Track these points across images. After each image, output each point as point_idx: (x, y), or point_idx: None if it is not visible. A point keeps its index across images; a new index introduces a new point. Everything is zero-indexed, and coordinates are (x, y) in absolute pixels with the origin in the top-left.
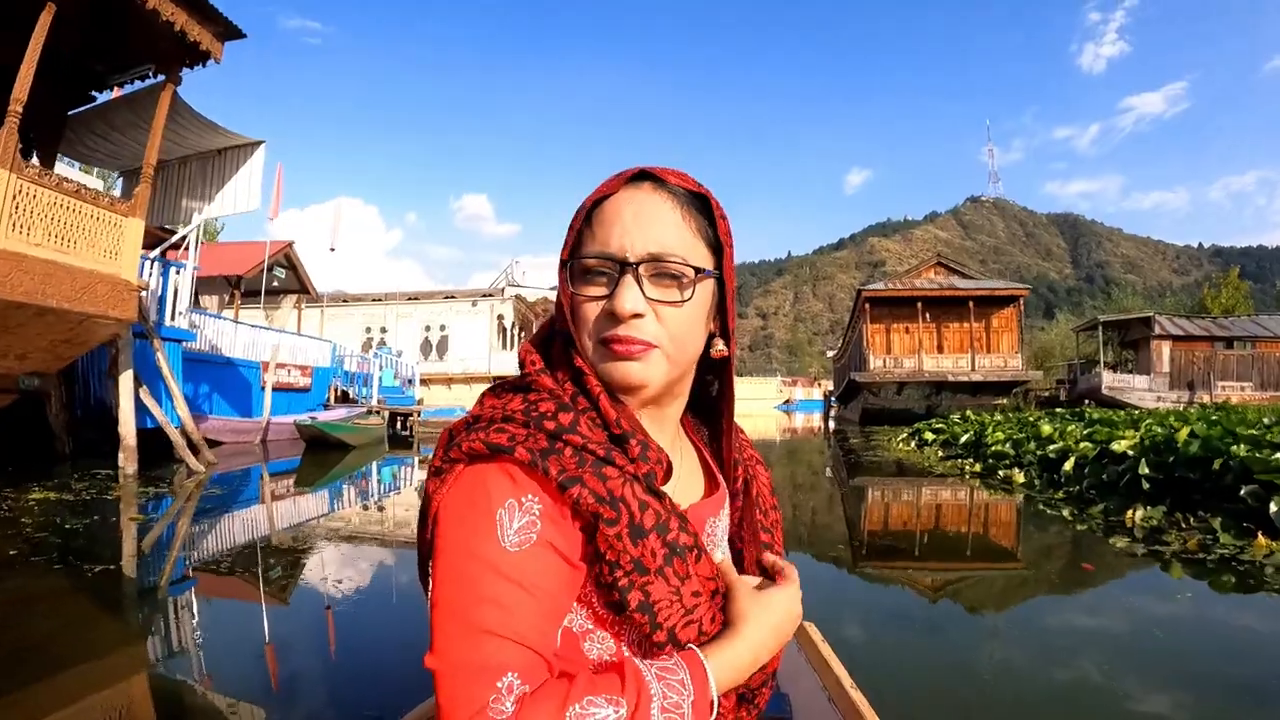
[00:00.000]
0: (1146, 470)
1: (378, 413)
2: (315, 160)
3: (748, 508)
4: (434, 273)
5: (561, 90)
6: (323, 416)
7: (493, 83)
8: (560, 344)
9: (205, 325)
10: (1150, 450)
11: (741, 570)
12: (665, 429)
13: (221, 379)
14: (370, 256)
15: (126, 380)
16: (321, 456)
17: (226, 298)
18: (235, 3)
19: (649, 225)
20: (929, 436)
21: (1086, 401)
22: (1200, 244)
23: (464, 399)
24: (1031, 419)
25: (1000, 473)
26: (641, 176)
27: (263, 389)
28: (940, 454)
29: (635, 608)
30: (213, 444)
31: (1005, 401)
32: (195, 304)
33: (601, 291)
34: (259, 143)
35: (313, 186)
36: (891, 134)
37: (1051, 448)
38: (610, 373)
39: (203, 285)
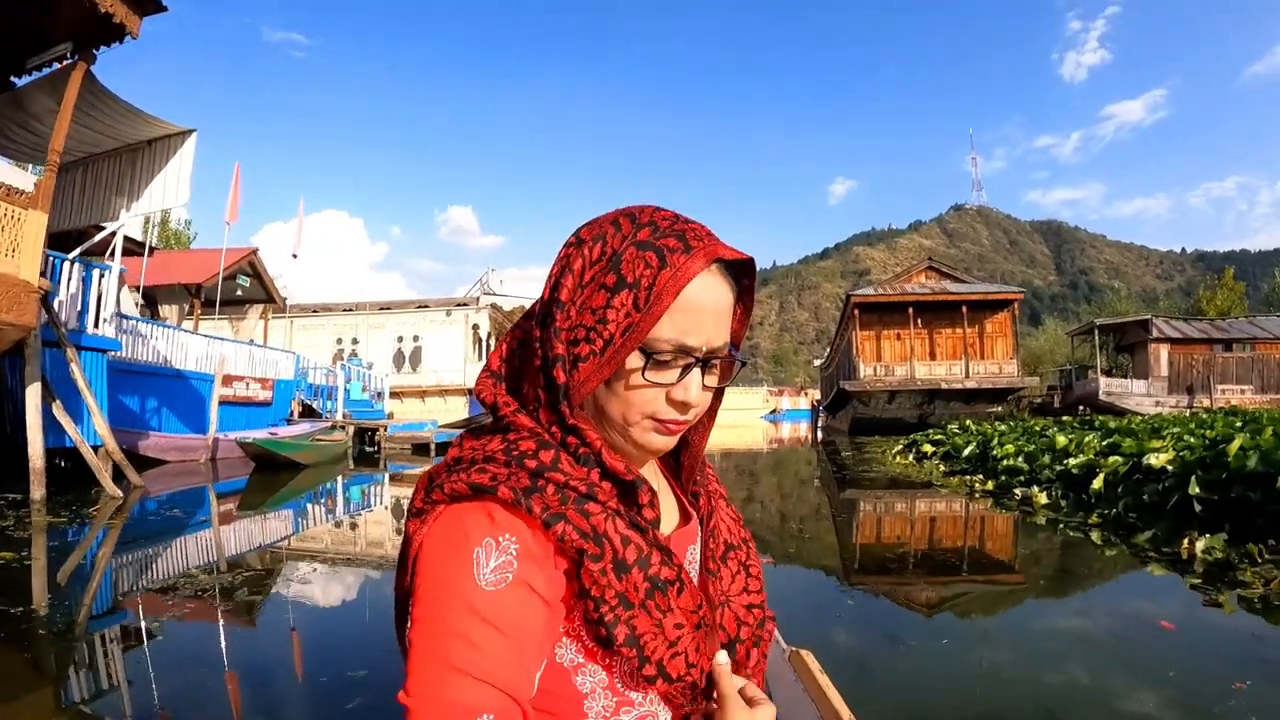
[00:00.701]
0: (1198, 490)
1: (342, 428)
2: (299, 173)
3: (709, 539)
4: (418, 285)
5: (546, 102)
6: (283, 432)
7: (478, 95)
8: (541, 391)
9: (155, 335)
10: (1197, 466)
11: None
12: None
13: (171, 392)
14: (355, 269)
15: (34, 394)
16: (270, 477)
17: (186, 307)
18: (219, 13)
19: (723, 320)
20: (928, 449)
21: (1081, 408)
22: (1183, 249)
23: (437, 412)
24: (1038, 428)
25: (1017, 491)
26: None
27: (218, 402)
28: (942, 468)
29: (623, 642)
30: (155, 463)
31: (1000, 409)
32: (153, 314)
33: (669, 378)
34: (189, 131)
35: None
36: (875, 144)
37: (1072, 462)
38: (648, 443)
39: (162, 295)
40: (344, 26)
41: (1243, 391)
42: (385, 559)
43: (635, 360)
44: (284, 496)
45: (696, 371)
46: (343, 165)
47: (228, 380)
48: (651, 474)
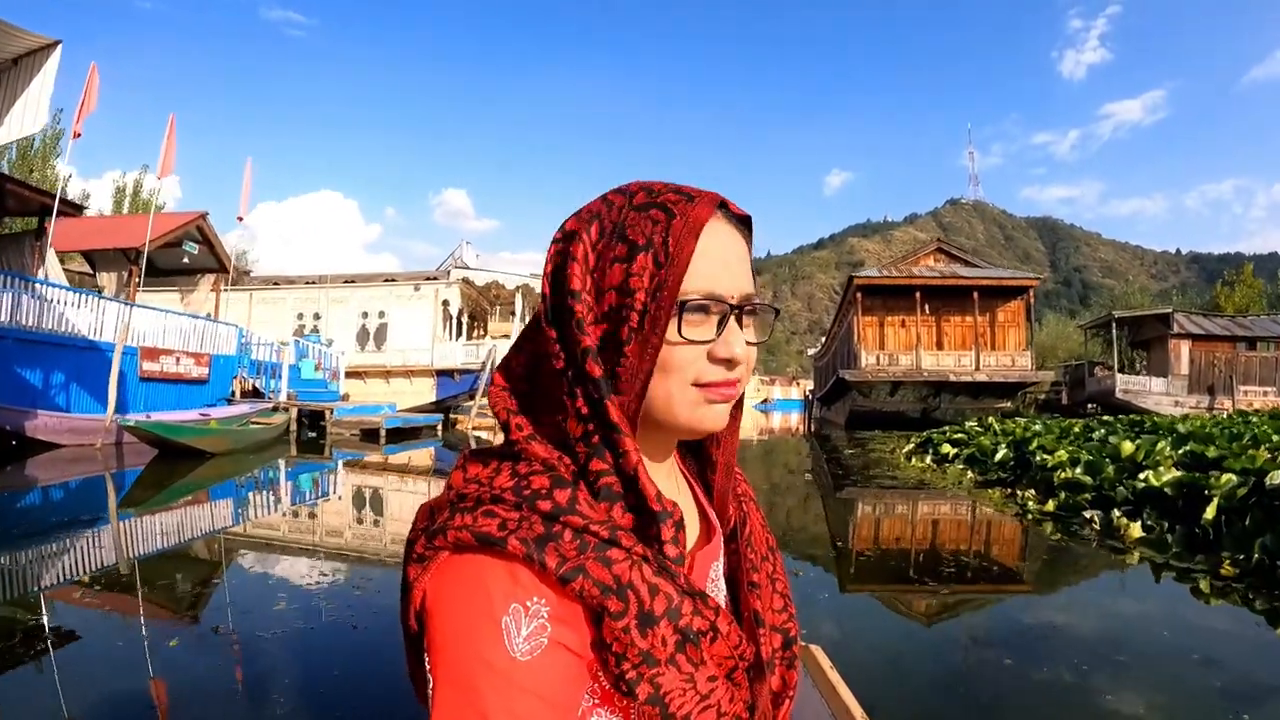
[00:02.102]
0: None
1: (285, 410)
2: (295, 153)
3: (739, 552)
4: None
5: (542, 87)
6: (217, 413)
7: (475, 78)
8: (578, 401)
9: (65, 302)
10: None
11: (737, 615)
12: (664, 462)
13: (81, 367)
14: (348, 251)
15: None
16: (168, 468)
17: (125, 275)
18: None
19: (747, 267)
20: (947, 450)
21: (1091, 406)
22: (1178, 250)
23: (402, 394)
24: (1078, 429)
25: (1089, 515)
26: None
27: (141, 379)
28: (971, 475)
29: (645, 700)
30: (46, 447)
31: (1009, 405)
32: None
33: (708, 333)
34: (54, 44)
35: (292, 180)
36: (872, 137)
37: (1157, 478)
38: (699, 421)
39: (101, 261)
40: (342, 4)
41: (1265, 393)
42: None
43: (670, 328)
44: (178, 492)
45: (734, 322)
46: (338, 146)
47: (152, 354)
48: (673, 482)
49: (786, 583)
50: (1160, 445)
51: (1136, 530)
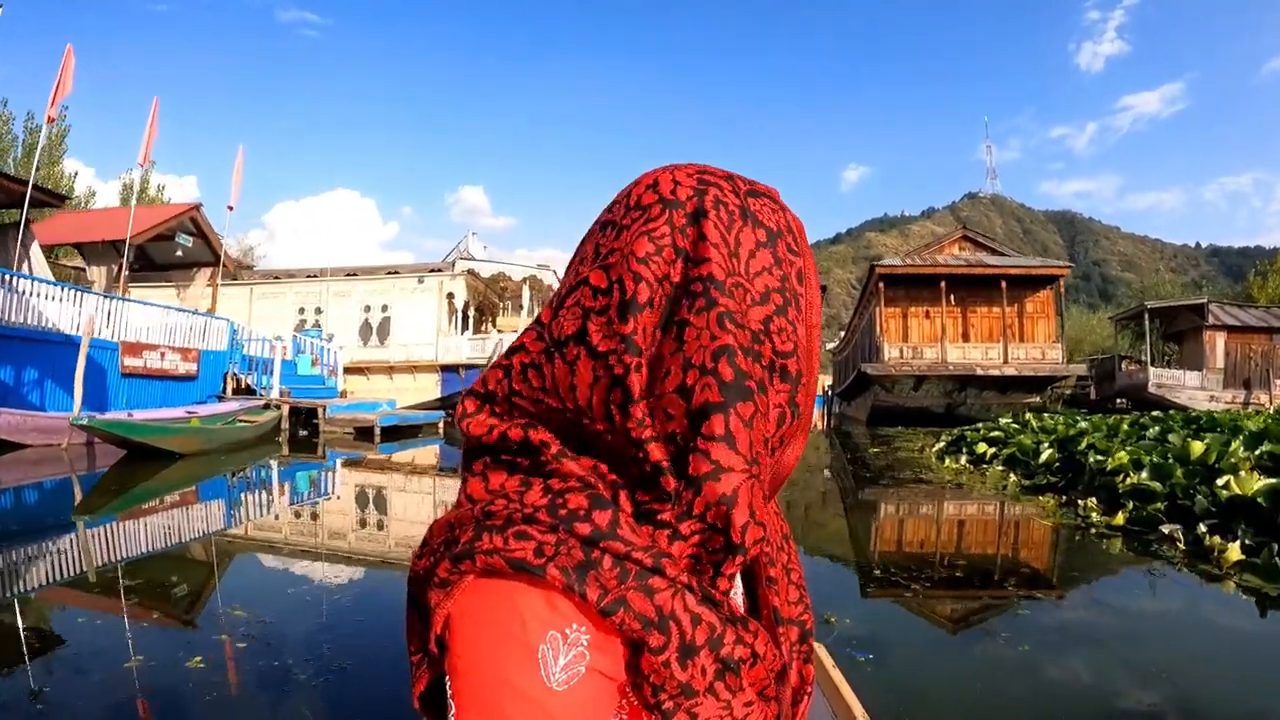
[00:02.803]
0: None
1: (276, 406)
2: (312, 153)
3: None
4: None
5: (557, 84)
6: (203, 411)
7: (490, 76)
8: (674, 422)
9: (40, 295)
10: None
11: (753, 611)
12: None
13: (56, 362)
14: (366, 249)
15: None
16: (132, 470)
17: (116, 269)
18: None
19: None
20: (983, 449)
21: (1120, 401)
22: (1198, 243)
23: (405, 391)
24: (1127, 426)
25: (1167, 530)
26: None
27: (123, 375)
28: (1016, 478)
29: None
30: (11, 447)
31: (1038, 400)
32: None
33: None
34: None
35: (309, 179)
36: (889, 131)
37: (1241, 486)
38: None
39: (91, 255)
40: (356, 5)
41: None
42: None
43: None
44: (134, 498)
45: None
46: (354, 145)
47: (135, 349)
48: None
49: (802, 573)
50: (1234, 445)
51: (1235, 552)
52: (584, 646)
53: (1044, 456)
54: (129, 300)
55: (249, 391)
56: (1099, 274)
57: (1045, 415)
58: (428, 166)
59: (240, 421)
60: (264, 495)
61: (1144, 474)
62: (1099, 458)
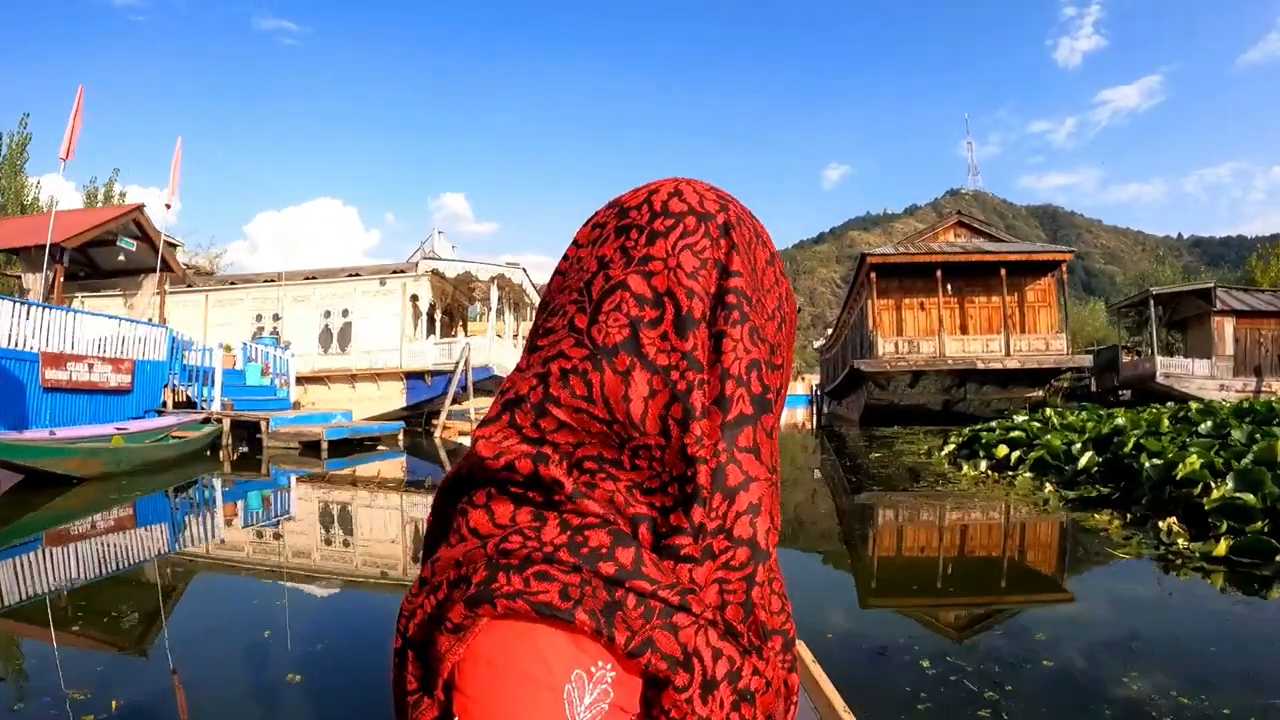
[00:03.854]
0: None
1: (216, 421)
2: (293, 163)
3: None
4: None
5: (535, 87)
6: (134, 427)
7: (470, 81)
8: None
9: None
10: None
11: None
12: None
13: None
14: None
15: None
16: (29, 496)
17: (50, 275)
18: (211, 2)
19: None
20: (1003, 452)
21: (1122, 392)
22: (1180, 234)
23: (369, 400)
24: (1166, 422)
25: None
26: None
27: (44, 389)
28: (1051, 488)
29: None
30: None
31: (1040, 394)
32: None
33: None
34: None
35: (291, 189)
36: (868, 129)
37: None
38: None
39: (25, 260)
40: (335, 12)
41: None
42: None
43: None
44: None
45: None
46: (336, 154)
47: (57, 361)
48: None
49: (783, 582)
50: None
51: None
52: (609, 684)
53: (1083, 461)
54: (48, 307)
55: (191, 405)
56: (1082, 267)
57: (1067, 411)
58: (409, 174)
59: (173, 438)
60: (149, 532)
61: (1228, 484)
62: (1155, 462)
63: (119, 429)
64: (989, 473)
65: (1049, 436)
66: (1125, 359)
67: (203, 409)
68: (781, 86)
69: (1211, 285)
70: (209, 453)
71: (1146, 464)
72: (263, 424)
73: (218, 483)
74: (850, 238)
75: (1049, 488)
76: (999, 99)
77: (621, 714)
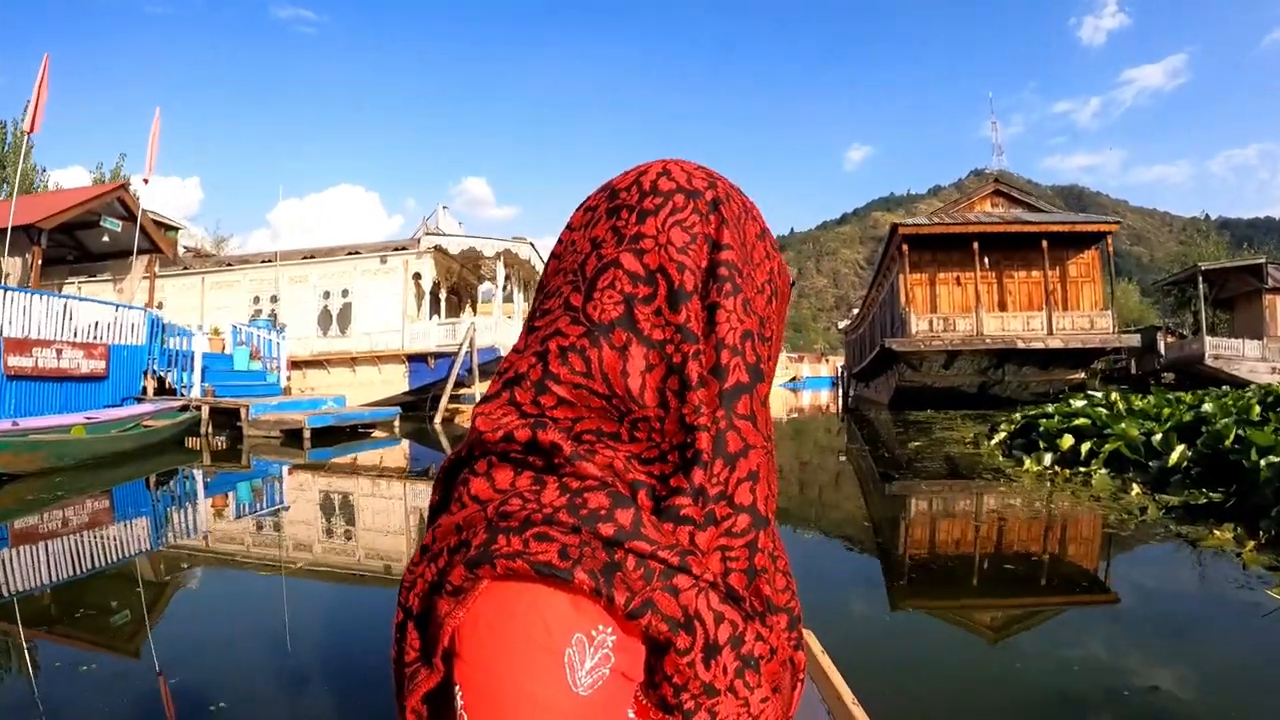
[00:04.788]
0: None
1: (195, 408)
2: (314, 150)
3: None
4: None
5: (557, 71)
6: (103, 416)
7: (491, 65)
8: (669, 390)
9: None
10: None
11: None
12: None
13: None
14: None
15: None
16: None
17: (29, 257)
18: None
19: None
20: (1068, 442)
21: (1165, 375)
22: (1206, 215)
23: (370, 385)
24: (1255, 406)
25: None
26: None
27: (8, 376)
28: (1139, 490)
29: None
30: None
31: (1082, 376)
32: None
33: None
34: None
35: (313, 176)
36: (890, 110)
37: None
38: None
39: (5, 244)
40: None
41: None
42: None
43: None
44: None
45: None
46: (357, 140)
47: (21, 346)
48: None
49: (787, 560)
50: None
51: None
52: (609, 648)
53: (1174, 457)
54: (5, 288)
55: (172, 392)
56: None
57: (1131, 394)
58: (430, 159)
59: (142, 427)
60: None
61: None
62: (1273, 460)
63: (89, 418)
64: (1055, 468)
65: (1123, 425)
66: (1162, 340)
67: (182, 396)
68: (803, 69)
69: (1262, 260)
70: (182, 443)
71: (1262, 463)
72: (242, 411)
73: (173, 479)
74: (874, 218)
75: (1136, 490)
76: (1022, 79)
77: (624, 680)
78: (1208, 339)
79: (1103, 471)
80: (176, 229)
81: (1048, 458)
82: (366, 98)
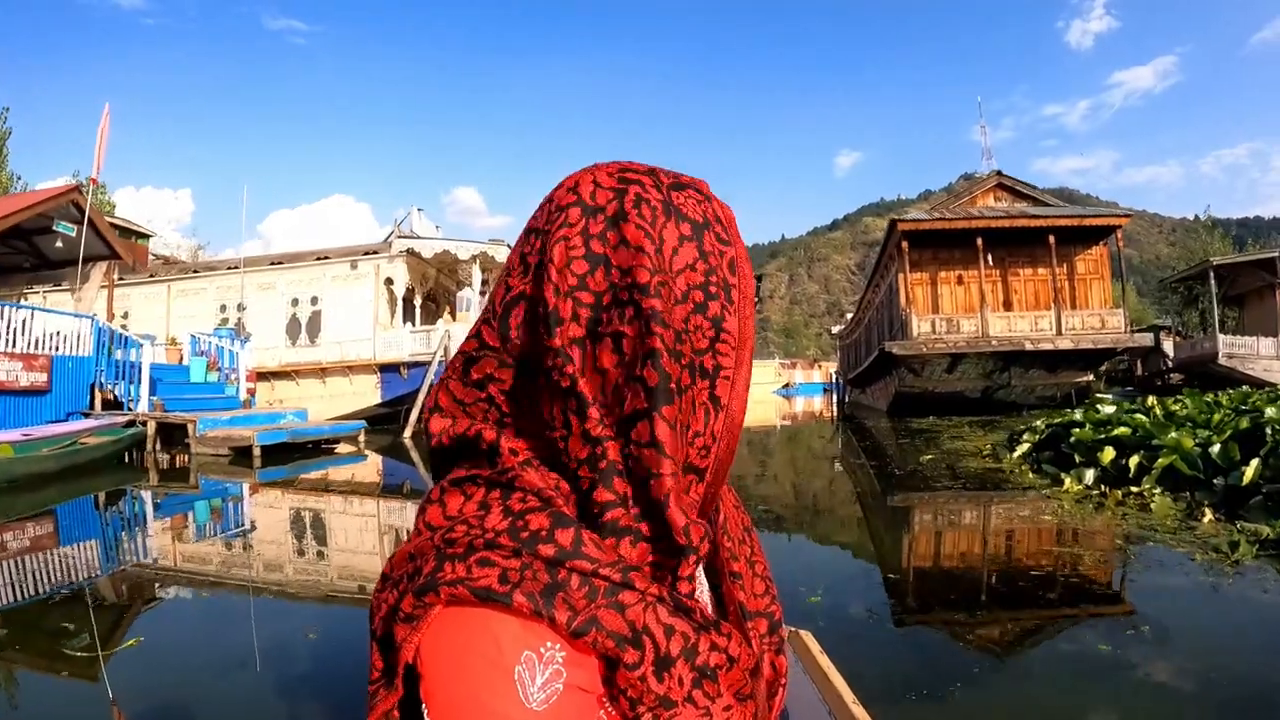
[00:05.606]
0: None
1: (142, 423)
2: (305, 161)
3: (715, 541)
4: None
5: (547, 78)
6: (39, 433)
7: (481, 75)
8: (565, 407)
9: None
10: None
11: (720, 608)
12: None
13: None
14: None
15: None
16: None
17: None
18: (220, 3)
19: None
20: (1109, 455)
21: (1172, 375)
22: (1196, 216)
23: (340, 397)
24: None
25: None
26: None
27: None
28: (1216, 519)
29: None
30: None
31: (1090, 378)
32: None
33: None
34: None
35: (305, 187)
36: (879, 115)
37: None
38: None
39: None
40: (342, 11)
41: None
42: None
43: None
44: None
45: None
46: (348, 151)
47: None
48: None
49: (766, 564)
50: None
51: None
52: (560, 664)
53: (1249, 473)
54: None
55: (120, 406)
56: None
57: (1165, 398)
58: (422, 169)
59: (81, 444)
60: None
61: None
62: None
63: (25, 435)
64: (1103, 488)
65: (1174, 434)
66: (1166, 340)
67: (130, 410)
68: (792, 75)
69: (1276, 254)
70: (123, 461)
71: None
72: (190, 426)
73: (120, 499)
74: (864, 224)
75: (1208, 516)
76: (1011, 83)
77: (581, 694)
78: (1221, 337)
79: (1156, 491)
80: (147, 236)
81: (1089, 474)
82: (357, 108)
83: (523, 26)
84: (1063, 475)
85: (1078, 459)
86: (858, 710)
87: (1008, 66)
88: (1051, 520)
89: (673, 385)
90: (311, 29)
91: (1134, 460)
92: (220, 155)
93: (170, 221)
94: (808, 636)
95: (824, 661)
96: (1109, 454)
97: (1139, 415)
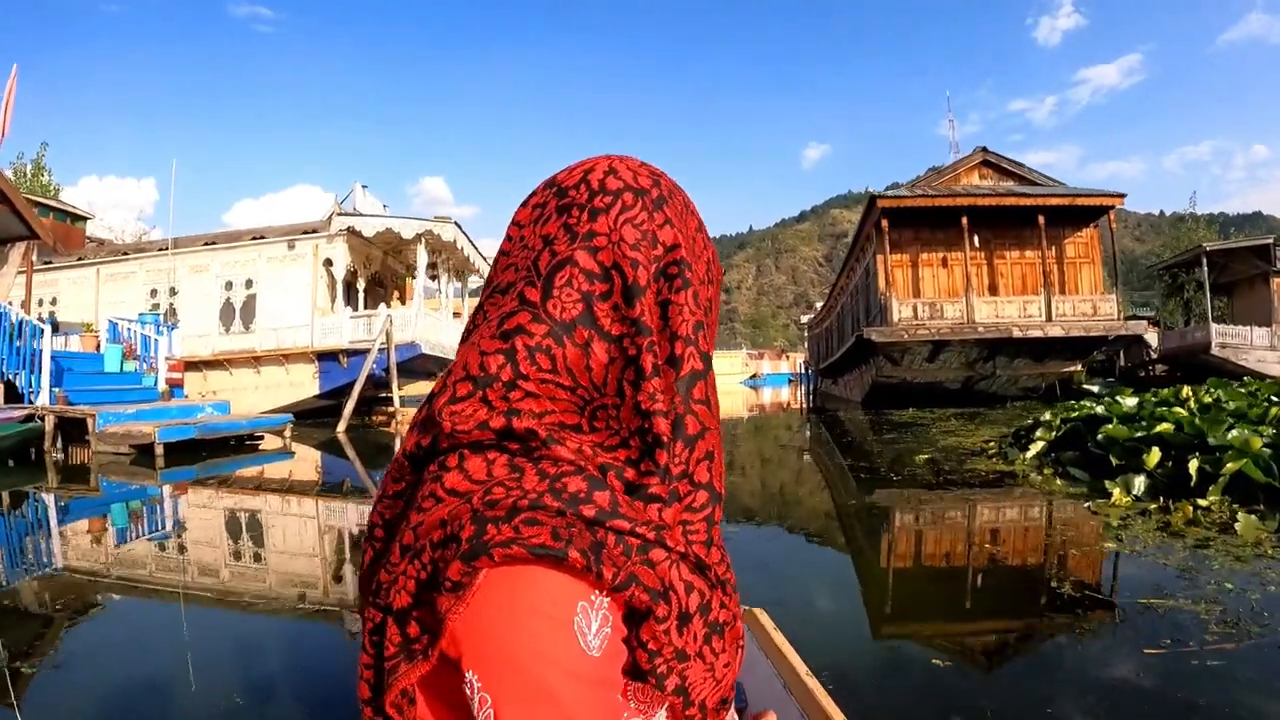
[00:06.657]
0: None
1: (40, 418)
2: (271, 151)
3: None
4: None
5: (512, 70)
6: None
7: (447, 63)
8: (626, 380)
9: None
10: None
11: None
12: None
13: None
14: None
15: None
16: None
17: None
18: None
19: None
20: (1155, 458)
21: (1158, 367)
22: (1160, 212)
23: (276, 387)
24: None
25: None
26: None
27: None
28: None
29: (671, 691)
30: None
31: (1078, 368)
32: None
33: None
34: None
35: (269, 177)
36: (847, 108)
37: None
38: None
39: None
40: None
41: None
42: None
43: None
44: None
45: None
46: (314, 140)
47: None
48: None
49: (719, 530)
50: None
51: None
52: (607, 608)
53: None
54: None
55: (21, 399)
56: None
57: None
58: (388, 158)
59: None
60: None
61: None
62: None
63: None
64: (1163, 500)
65: (1235, 432)
66: (1149, 331)
67: (30, 403)
68: (759, 67)
69: (1270, 240)
70: (12, 460)
71: None
72: (89, 421)
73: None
74: (832, 216)
75: None
76: (978, 78)
77: (622, 641)
78: (1215, 327)
79: (1233, 506)
80: (85, 219)
81: (1138, 482)
82: (324, 97)
83: (490, 17)
84: (1105, 483)
85: (1114, 461)
86: (811, 682)
87: (975, 62)
88: (1124, 549)
89: (712, 354)
90: (277, 16)
91: (1193, 465)
92: (185, 145)
93: (133, 210)
94: (762, 614)
95: (778, 638)
96: (1154, 456)
97: (1177, 408)
